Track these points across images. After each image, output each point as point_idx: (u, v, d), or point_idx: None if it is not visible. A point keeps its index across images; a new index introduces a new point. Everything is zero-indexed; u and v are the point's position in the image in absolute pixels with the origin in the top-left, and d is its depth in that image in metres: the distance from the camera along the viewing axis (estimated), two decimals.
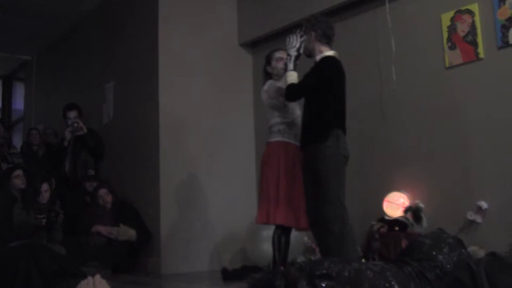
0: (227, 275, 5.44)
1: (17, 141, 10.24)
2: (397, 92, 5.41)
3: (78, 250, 5.94)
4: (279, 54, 4.76)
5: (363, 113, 5.63)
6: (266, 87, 4.69)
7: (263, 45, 6.93)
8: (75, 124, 7.03)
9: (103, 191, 6.38)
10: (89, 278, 3.11)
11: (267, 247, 5.45)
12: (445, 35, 5.09)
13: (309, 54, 4.41)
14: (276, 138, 4.59)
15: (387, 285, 2.54)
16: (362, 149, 5.52)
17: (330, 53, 4.29)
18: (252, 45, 7.11)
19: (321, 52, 4.29)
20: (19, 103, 11.67)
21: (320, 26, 4.31)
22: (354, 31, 5.90)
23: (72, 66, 8.81)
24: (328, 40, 4.33)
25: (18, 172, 6.31)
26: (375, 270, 2.60)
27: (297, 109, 4.66)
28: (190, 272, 6.08)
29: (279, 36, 6.68)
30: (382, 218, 5.19)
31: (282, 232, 4.46)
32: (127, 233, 6.12)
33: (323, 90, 4.12)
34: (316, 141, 4.06)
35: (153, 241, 6.24)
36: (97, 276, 3.13)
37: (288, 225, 4.44)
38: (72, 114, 7.19)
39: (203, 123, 6.61)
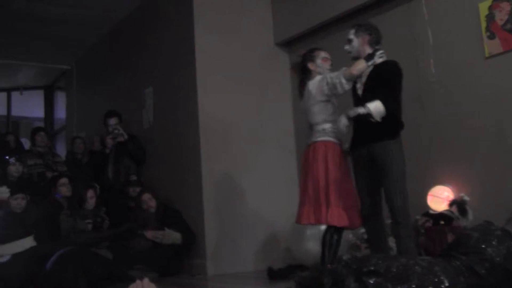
0: (273, 274, 5.44)
1: (60, 149, 10.45)
2: (436, 84, 5.35)
3: (124, 254, 6.02)
4: (325, 54, 4.71)
5: (402, 107, 5.57)
6: (317, 83, 4.58)
7: (299, 43, 6.91)
8: (116, 131, 7.12)
9: (146, 196, 6.45)
10: (138, 281, 3.14)
11: (311, 246, 5.46)
12: (483, 24, 5.01)
13: (357, 56, 4.42)
14: (322, 137, 4.52)
15: (436, 280, 2.52)
16: (404, 143, 5.47)
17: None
18: (288, 44, 7.10)
19: None
20: (61, 112, 11.87)
21: (375, 33, 4.42)
22: (390, 25, 5.83)
23: (110, 73, 8.92)
24: (376, 46, 4.40)
25: (64, 180, 6.42)
26: (423, 265, 2.58)
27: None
28: (235, 272, 6.11)
29: (314, 34, 6.68)
30: (427, 213, 5.14)
31: (335, 231, 4.41)
32: (172, 236, 6.18)
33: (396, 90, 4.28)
34: (392, 137, 4.23)
35: (197, 243, 6.28)
36: (146, 280, 3.15)
37: (341, 226, 4.39)
38: (113, 121, 7.29)
39: (243, 124, 6.63)
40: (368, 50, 4.37)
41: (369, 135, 4.25)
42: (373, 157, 4.22)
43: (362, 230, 5.04)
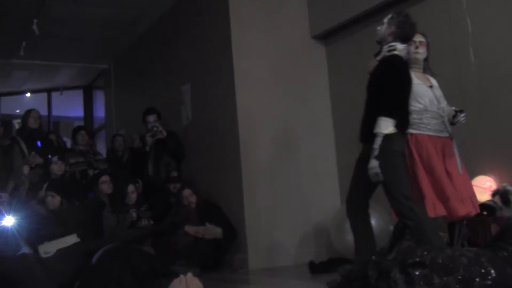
0: (314, 268, 5.44)
1: (100, 147, 10.58)
2: (476, 73, 5.27)
3: (166, 250, 6.07)
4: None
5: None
6: None
7: (336, 36, 6.89)
8: (154, 128, 7.18)
9: (187, 192, 6.50)
10: (182, 276, 3.17)
11: (352, 238, 5.43)
12: None
13: (379, 41, 4.40)
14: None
15: (482, 271, 2.49)
16: None
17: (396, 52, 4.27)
18: (325, 36, 7.06)
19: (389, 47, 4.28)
20: (100, 111, 12.02)
21: (404, 28, 4.30)
22: (429, 13, 5.77)
23: (148, 71, 9.00)
24: (403, 41, 4.32)
25: (105, 177, 6.50)
26: (469, 256, 2.55)
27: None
28: (276, 266, 6.12)
29: (351, 26, 6.64)
30: None
31: None
32: (213, 231, 6.21)
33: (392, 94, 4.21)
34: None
35: (238, 237, 6.31)
36: (189, 274, 3.19)
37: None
38: (152, 118, 7.35)
39: (281, 117, 6.63)
40: (391, 41, 4.30)
41: (363, 132, 4.36)
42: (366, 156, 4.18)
43: None
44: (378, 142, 4.03)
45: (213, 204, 6.60)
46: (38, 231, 5.36)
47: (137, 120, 7.77)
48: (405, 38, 4.32)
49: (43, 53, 9.77)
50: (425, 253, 2.49)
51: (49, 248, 5.32)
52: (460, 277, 2.45)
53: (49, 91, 12.66)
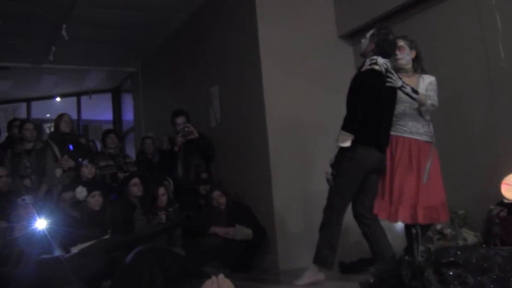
0: (345, 268, 5.44)
1: (129, 150, 10.66)
2: (506, 69, 5.21)
3: (196, 251, 6.10)
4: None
5: (471, 95, 5.46)
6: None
7: (362, 35, 6.84)
8: (186, 129, 7.23)
9: (216, 193, 6.52)
10: (213, 277, 3.19)
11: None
12: None
13: (362, 55, 4.72)
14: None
15: None
16: (474, 132, 5.37)
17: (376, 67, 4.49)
18: (352, 36, 7.03)
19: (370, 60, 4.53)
20: (128, 114, 12.12)
21: (383, 45, 4.59)
22: (457, 10, 5.72)
23: (175, 73, 9.06)
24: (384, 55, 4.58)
25: (135, 180, 6.55)
26: (504, 255, 2.53)
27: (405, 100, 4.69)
28: (307, 267, 6.10)
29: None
30: (501, 202, 5.01)
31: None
32: (243, 232, 6.23)
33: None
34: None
35: (268, 238, 6.32)
36: (221, 275, 3.20)
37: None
38: (180, 119, 7.40)
39: (309, 118, 6.60)
40: (372, 56, 4.57)
41: None
42: None
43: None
44: (334, 152, 4.56)
45: (243, 205, 6.63)
46: (71, 233, 5.42)
47: (166, 122, 7.82)
48: (385, 56, 4.57)
49: (72, 57, 9.89)
50: (459, 252, 2.47)
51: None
52: (495, 277, 2.42)
53: (78, 95, 12.81)
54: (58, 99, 13.04)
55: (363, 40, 4.67)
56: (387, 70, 4.48)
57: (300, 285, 4.63)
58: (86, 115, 13.28)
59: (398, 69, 4.80)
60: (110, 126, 12.31)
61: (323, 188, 6.49)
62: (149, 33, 9.04)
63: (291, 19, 6.80)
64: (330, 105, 6.78)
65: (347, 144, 4.40)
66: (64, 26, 8.09)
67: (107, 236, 5.56)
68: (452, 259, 2.44)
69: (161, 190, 6.30)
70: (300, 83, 6.65)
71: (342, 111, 6.82)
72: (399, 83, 4.54)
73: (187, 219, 6.24)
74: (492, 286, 2.40)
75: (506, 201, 4.98)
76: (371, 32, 4.63)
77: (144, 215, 6.23)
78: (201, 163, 7.27)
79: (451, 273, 2.39)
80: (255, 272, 6.13)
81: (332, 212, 4.60)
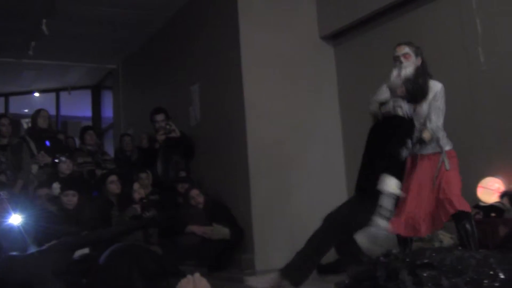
0: (322, 269, 5.43)
1: (108, 147, 10.60)
2: (486, 73, 5.25)
3: (173, 250, 6.08)
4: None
5: (451, 97, 5.48)
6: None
7: (344, 37, 6.88)
8: (168, 127, 7.21)
9: (194, 192, 6.51)
10: (189, 276, 3.17)
11: (359, 240, 5.42)
12: None
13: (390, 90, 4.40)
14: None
15: (491, 272, 2.47)
16: (453, 134, 5.39)
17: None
18: (334, 37, 7.05)
19: None
20: (108, 111, 12.06)
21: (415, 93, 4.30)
22: (439, 14, 5.76)
23: (156, 71, 9.02)
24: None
25: (113, 177, 6.50)
26: (478, 258, 2.53)
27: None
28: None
29: (361, 26, 6.62)
30: (477, 205, 5.06)
31: None
32: (221, 231, 6.22)
33: None
34: None
35: (246, 238, 6.32)
36: (197, 274, 3.17)
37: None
38: (159, 117, 7.37)
39: (289, 118, 6.62)
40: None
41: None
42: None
43: None
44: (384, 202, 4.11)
45: (221, 205, 6.62)
46: (47, 229, 5.37)
47: (145, 120, 7.79)
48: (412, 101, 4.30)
49: (52, 53, 9.81)
50: (434, 254, 2.48)
51: None
52: (468, 279, 2.43)
53: (57, 90, 12.71)
54: (37, 94, 12.92)
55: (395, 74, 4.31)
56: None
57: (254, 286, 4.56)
58: (65, 111, 13.18)
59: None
60: (90, 123, 12.21)
61: (302, 189, 6.53)
62: (131, 30, 8.98)
63: (273, 19, 6.80)
64: (311, 104, 6.81)
65: (397, 191, 4.12)
66: (44, 21, 8.01)
67: (84, 234, 5.53)
68: (426, 260, 2.44)
69: (135, 185, 6.27)
70: (281, 83, 6.66)
71: (322, 111, 6.89)
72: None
73: (152, 221, 6.20)
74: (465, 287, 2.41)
75: (482, 204, 5.03)
76: (405, 73, 4.26)
77: (121, 212, 6.20)
78: (180, 162, 7.26)
79: (426, 275, 2.38)
80: (232, 272, 6.11)
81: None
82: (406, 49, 4.39)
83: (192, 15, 7.82)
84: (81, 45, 9.62)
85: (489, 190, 5.06)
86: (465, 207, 4.12)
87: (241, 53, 6.57)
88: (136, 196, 6.25)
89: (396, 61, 4.39)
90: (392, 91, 4.27)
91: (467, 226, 4.10)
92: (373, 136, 4.43)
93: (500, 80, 5.18)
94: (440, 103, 4.32)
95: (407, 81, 4.21)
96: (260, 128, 6.47)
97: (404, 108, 4.22)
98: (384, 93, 4.36)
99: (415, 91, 4.22)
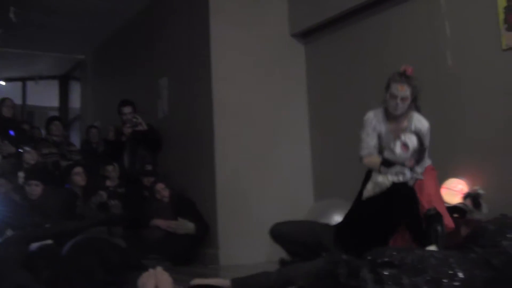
0: (286, 265, 5.44)
1: (75, 139, 10.50)
2: (453, 76, 5.31)
3: (138, 244, 6.05)
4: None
5: (420, 100, 5.55)
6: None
7: (315, 35, 6.90)
8: (135, 120, 7.15)
9: (160, 186, 6.48)
10: (151, 270, 3.16)
11: None
12: (501, 16, 4.96)
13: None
14: None
15: (450, 272, 2.51)
16: None
17: None
18: (304, 35, 7.05)
19: None
20: (75, 102, 11.94)
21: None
22: (408, 16, 5.81)
23: (125, 63, 8.95)
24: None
25: (78, 169, 6.43)
26: (438, 257, 2.57)
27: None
28: (248, 263, 6.11)
29: (331, 25, 6.64)
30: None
31: None
32: (186, 226, 6.21)
33: None
34: None
35: (211, 233, 6.31)
36: (159, 268, 3.17)
37: None
38: (127, 109, 7.32)
39: (258, 115, 6.63)
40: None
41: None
42: None
43: None
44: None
45: (187, 199, 6.60)
46: (7, 218, 5.30)
47: (113, 112, 7.72)
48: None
49: (19, 41, 9.66)
50: (395, 253, 2.51)
51: None
52: (428, 278, 2.46)
53: (24, 80, 12.52)
54: (2, 83, 12.71)
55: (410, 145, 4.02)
56: None
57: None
58: (32, 101, 13.00)
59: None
60: (57, 113, 12.06)
61: (268, 185, 6.55)
62: (101, 21, 8.89)
63: (244, 15, 6.79)
64: (280, 102, 6.83)
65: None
66: (12, 8, 7.88)
67: (47, 225, 5.47)
68: (387, 259, 2.47)
69: (109, 168, 6.27)
70: (249, 79, 6.66)
71: (291, 108, 6.90)
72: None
73: (113, 219, 6.17)
74: (425, 286, 2.43)
75: (445, 204, 5.09)
76: (415, 144, 4.03)
77: (87, 204, 6.16)
78: (147, 155, 7.22)
79: (386, 273, 2.41)
80: (196, 266, 6.10)
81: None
82: (407, 92, 4.16)
83: (163, 8, 7.77)
84: (49, 34, 9.49)
85: (453, 191, 5.11)
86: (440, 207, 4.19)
87: (211, 49, 6.54)
88: (108, 183, 6.24)
89: (392, 99, 4.17)
90: (399, 162, 4.07)
91: (438, 227, 4.13)
92: (379, 205, 4.13)
93: (465, 82, 5.24)
94: (426, 143, 4.22)
95: (415, 152, 4.05)
96: (228, 124, 6.46)
97: (407, 176, 4.09)
98: (387, 153, 4.14)
99: (422, 155, 4.13)
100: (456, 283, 2.50)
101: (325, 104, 6.77)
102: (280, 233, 4.58)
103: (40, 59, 11.15)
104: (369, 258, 2.49)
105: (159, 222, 6.27)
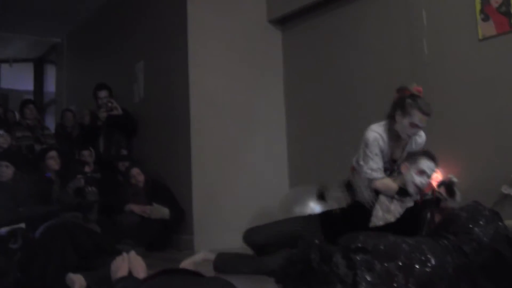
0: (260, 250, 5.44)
1: (50, 123, 10.38)
2: (429, 65, 5.34)
3: (112, 229, 6.03)
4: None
5: (393, 85, 5.55)
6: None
7: (293, 21, 6.88)
8: (109, 104, 7.09)
9: (135, 171, 6.44)
10: (124, 254, 3.15)
11: None
12: (478, 6, 4.99)
13: None
14: None
15: (423, 258, 2.53)
16: None
17: None
18: (282, 21, 7.03)
19: None
20: (50, 85, 11.80)
21: None
22: (386, 5, 5.82)
23: (102, 47, 8.86)
24: None
25: (53, 153, 6.34)
26: (410, 244, 2.58)
27: None
28: (223, 248, 6.07)
29: (309, 11, 6.63)
30: None
31: None
32: (160, 211, 6.18)
33: None
34: None
35: (186, 218, 6.30)
36: (132, 253, 3.17)
37: None
38: (103, 93, 7.25)
39: (234, 100, 6.61)
40: None
41: None
42: None
43: None
44: None
45: (162, 184, 6.56)
46: None
47: (89, 96, 7.66)
48: None
49: None
50: (368, 239, 2.51)
51: None
52: (400, 264, 2.47)
53: None
54: None
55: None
56: None
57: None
58: (6, 84, 12.82)
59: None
60: (31, 97, 11.91)
61: (244, 171, 6.54)
62: (77, 4, 8.79)
63: (222, 1, 6.74)
64: (256, 87, 6.82)
65: None
66: None
67: (20, 209, 5.42)
68: (360, 245, 2.47)
69: (86, 152, 6.21)
70: (226, 64, 6.64)
71: (267, 95, 6.89)
72: None
73: (79, 206, 6.12)
74: (397, 272, 2.44)
75: None
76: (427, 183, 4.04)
77: (62, 188, 6.10)
78: (122, 140, 7.16)
79: (359, 258, 2.42)
80: (171, 252, 6.08)
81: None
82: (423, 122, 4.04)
83: None
84: (24, 17, 9.36)
85: None
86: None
87: (188, 34, 6.49)
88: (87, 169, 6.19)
89: (412, 127, 4.03)
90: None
91: (428, 214, 4.13)
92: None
93: (441, 72, 5.27)
94: None
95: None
96: (204, 109, 6.43)
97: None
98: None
99: None
100: (428, 269, 2.52)
101: (301, 91, 6.77)
102: (255, 243, 4.44)
103: (15, 42, 10.99)
104: (342, 243, 2.49)
105: (134, 207, 6.24)
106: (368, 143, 4.06)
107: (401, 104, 4.03)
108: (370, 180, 4.07)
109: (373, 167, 4.05)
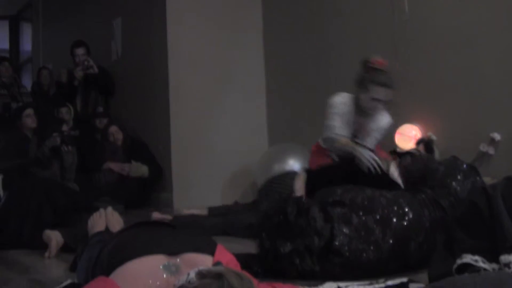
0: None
1: (26, 81, 10.24)
2: (409, 23, 5.29)
3: (90, 187, 6.02)
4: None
5: (373, 45, 5.53)
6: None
7: None
8: (86, 62, 6.99)
9: (113, 128, 6.40)
10: (101, 210, 3.17)
11: None
12: None
13: None
14: None
15: (400, 211, 2.54)
16: None
17: None
18: None
19: None
20: (26, 44, 11.62)
21: None
22: None
23: (78, 3, 8.70)
24: None
25: (29, 111, 6.28)
26: (388, 197, 2.59)
27: None
28: (201, 206, 6.13)
29: None
30: (394, 151, 5.13)
31: None
32: (139, 169, 6.17)
33: None
34: None
35: (164, 176, 6.29)
36: (109, 209, 3.19)
37: None
38: (80, 51, 7.13)
39: (213, 59, 6.53)
40: None
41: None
42: None
43: None
44: None
45: (140, 142, 6.55)
46: None
47: (66, 55, 7.53)
48: None
49: None
50: (345, 193, 2.51)
51: None
52: (378, 217, 2.48)
53: None
54: None
55: None
56: None
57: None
58: None
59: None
60: (7, 55, 11.72)
61: (223, 129, 6.52)
62: None
63: None
64: (235, 47, 6.74)
65: None
66: None
67: None
68: (338, 198, 2.47)
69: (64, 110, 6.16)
70: (205, 24, 6.53)
71: (247, 55, 6.83)
72: None
73: (36, 162, 6.06)
74: (375, 225, 2.45)
75: (398, 150, 5.13)
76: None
77: (39, 147, 6.05)
78: (99, 98, 7.09)
79: (336, 212, 2.42)
80: (149, 209, 6.07)
81: None
82: (390, 95, 3.93)
83: None
84: None
85: (406, 136, 5.15)
86: None
87: None
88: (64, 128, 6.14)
89: (373, 101, 3.90)
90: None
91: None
92: None
93: (421, 30, 5.23)
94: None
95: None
96: (183, 68, 6.37)
97: None
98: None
99: None
100: (405, 223, 2.53)
101: (281, 50, 6.71)
102: None
103: None
104: (319, 197, 2.49)
105: (112, 165, 6.22)
106: (331, 104, 4.01)
107: (360, 79, 3.96)
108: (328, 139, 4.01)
109: (329, 123, 3.98)
